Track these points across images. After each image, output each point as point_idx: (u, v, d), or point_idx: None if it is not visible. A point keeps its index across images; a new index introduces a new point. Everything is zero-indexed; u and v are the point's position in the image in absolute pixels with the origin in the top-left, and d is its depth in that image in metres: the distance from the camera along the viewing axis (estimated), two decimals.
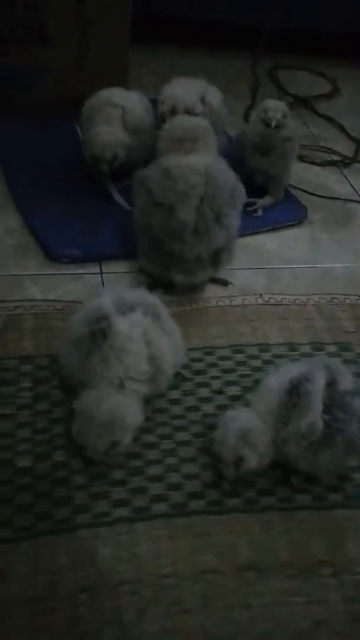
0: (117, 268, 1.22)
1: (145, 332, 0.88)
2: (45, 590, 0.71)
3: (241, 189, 1.08)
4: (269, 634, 0.71)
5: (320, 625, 0.72)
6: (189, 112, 1.27)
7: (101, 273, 1.20)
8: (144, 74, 1.86)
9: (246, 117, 1.80)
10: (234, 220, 1.08)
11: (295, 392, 0.83)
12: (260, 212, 1.39)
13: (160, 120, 1.34)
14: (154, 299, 0.94)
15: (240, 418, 0.84)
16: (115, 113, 1.37)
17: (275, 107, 1.36)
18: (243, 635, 0.70)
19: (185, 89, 1.36)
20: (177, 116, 1.19)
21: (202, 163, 1.04)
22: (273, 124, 1.33)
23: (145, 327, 0.88)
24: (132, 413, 0.85)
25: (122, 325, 0.86)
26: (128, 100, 1.39)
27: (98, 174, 1.37)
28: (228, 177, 1.05)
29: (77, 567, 0.74)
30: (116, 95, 1.39)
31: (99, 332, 0.84)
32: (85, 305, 0.91)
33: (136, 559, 0.76)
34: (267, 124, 1.34)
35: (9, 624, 0.68)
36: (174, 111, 1.30)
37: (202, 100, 1.38)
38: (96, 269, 1.21)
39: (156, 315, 0.91)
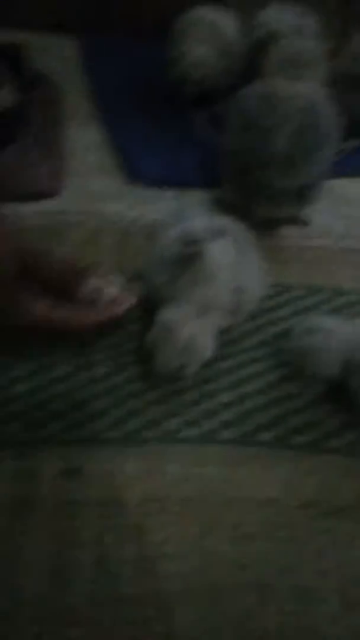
0: (196, 196, 1.19)
1: (233, 261, 0.86)
2: (116, 495, 0.74)
3: (340, 124, 1.02)
4: (331, 572, 0.71)
5: None
6: (286, 36, 1.20)
7: (180, 199, 1.18)
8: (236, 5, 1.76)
9: (333, 55, 1.70)
10: (328, 156, 1.03)
11: None
12: (344, 154, 1.32)
13: (256, 45, 1.27)
14: (243, 228, 0.91)
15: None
16: (206, 32, 1.31)
17: None
18: (306, 567, 0.71)
19: (284, 14, 1.28)
20: (286, 39, 1.12)
21: (305, 90, 0.98)
22: None
23: (234, 255, 0.86)
24: (207, 343, 0.85)
25: (214, 250, 0.84)
26: (222, 20, 1.32)
27: (182, 99, 1.32)
28: (330, 110, 0.99)
29: (145, 479, 0.76)
30: (210, 13, 1.32)
31: (190, 255, 0.82)
32: (176, 226, 0.89)
33: (202, 480, 0.77)
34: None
35: (79, 523, 0.70)
36: (272, 36, 1.23)
37: (299, 31, 1.31)
38: (176, 194, 1.18)
39: (244, 245, 0.89)
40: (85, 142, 1.23)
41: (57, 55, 1.43)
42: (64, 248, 0.99)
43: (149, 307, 0.91)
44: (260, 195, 1.05)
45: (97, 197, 1.12)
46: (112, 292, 0.76)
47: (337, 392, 0.87)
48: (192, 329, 0.83)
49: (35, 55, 1.31)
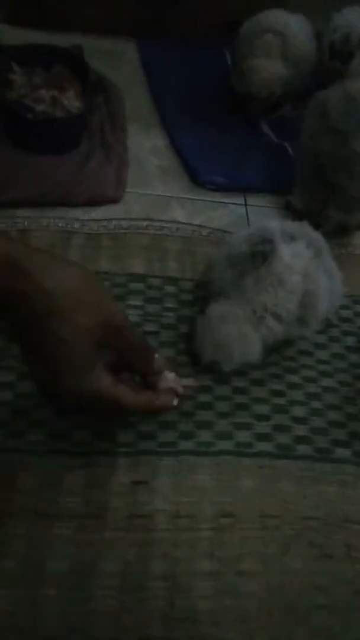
0: (261, 202, 1.16)
1: (305, 267, 0.82)
2: (187, 509, 0.70)
3: None
4: None
5: None
6: None
7: (245, 205, 1.15)
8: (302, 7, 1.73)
9: None
10: None
11: None
12: None
13: (329, 50, 1.24)
14: (318, 234, 0.88)
15: None
16: (276, 42, 1.27)
17: None
18: None
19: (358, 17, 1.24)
20: None
21: None
22: None
23: (306, 261, 0.83)
24: (251, 346, 0.81)
25: (285, 252, 0.80)
26: (290, 27, 1.27)
27: (248, 105, 1.30)
28: None
29: (220, 493, 0.72)
30: (277, 20, 1.28)
31: (261, 254, 0.79)
32: (249, 227, 0.86)
33: (280, 496, 0.73)
34: None
35: (153, 535, 0.67)
36: (346, 40, 1.19)
37: None
38: (240, 200, 1.15)
39: (318, 251, 0.85)
40: (148, 146, 1.21)
41: (118, 60, 1.43)
42: (127, 253, 0.97)
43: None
44: (334, 200, 1.01)
45: (160, 202, 1.10)
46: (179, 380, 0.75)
47: None
48: (236, 328, 0.79)
49: (96, 59, 1.31)
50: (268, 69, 1.24)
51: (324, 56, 1.25)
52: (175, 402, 0.68)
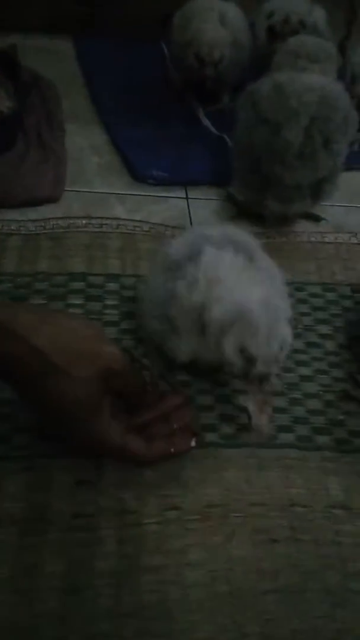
0: (203, 194, 1.16)
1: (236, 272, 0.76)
2: (132, 505, 0.70)
3: (355, 117, 0.99)
4: (358, 572, 0.68)
5: None
6: (302, 23, 1.17)
7: (187, 198, 1.15)
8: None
9: (341, 48, 1.68)
10: (343, 149, 1.00)
11: None
12: (357, 146, 1.30)
13: (266, 33, 1.25)
14: (247, 237, 0.83)
15: None
16: (215, 15, 1.27)
17: None
18: (332, 571, 0.68)
19: (295, 1, 1.26)
20: (301, 35, 1.09)
21: (317, 82, 0.95)
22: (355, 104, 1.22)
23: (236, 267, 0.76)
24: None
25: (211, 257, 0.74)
26: (227, 9, 1.29)
27: (187, 96, 1.30)
28: (343, 101, 0.97)
29: (163, 486, 0.72)
30: (213, 5, 1.29)
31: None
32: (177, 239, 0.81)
33: (224, 484, 0.73)
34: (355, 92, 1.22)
35: (98, 533, 0.67)
36: (286, 22, 1.20)
37: (311, 23, 1.28)
38: (182, 194, 1.16)
39: (249, 255, 0.78)
40: (87, 144, 1.21)
41: (55, 58, 1.42)
42: (67, 252, 0.96)
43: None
44: (272, 191, 1.02)
45: (100, 199, 1.09)
46: None
47: None
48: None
49: (33, 58, 1.29)
50: (214, 30, 1.24)
51: (261, 43, 1.26)
52: (193, 443, 0.68)
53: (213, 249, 0.73)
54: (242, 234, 0.83)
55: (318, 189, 1.03)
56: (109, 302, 0.91)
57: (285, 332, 0.71)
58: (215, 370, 0.79)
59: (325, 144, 0.96)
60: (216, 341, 0.69)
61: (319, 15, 1.29)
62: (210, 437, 0.78)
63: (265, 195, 1.02)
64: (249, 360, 0.68)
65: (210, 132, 1.28)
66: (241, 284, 0.71)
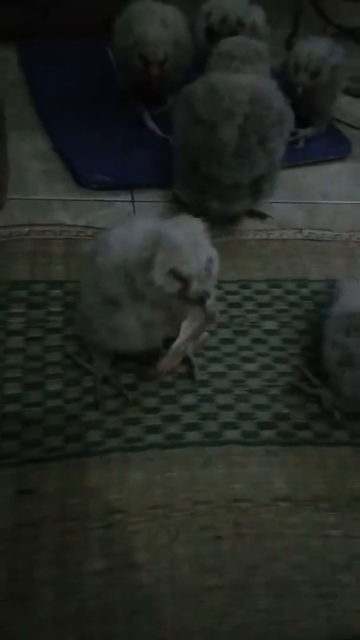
0: (149, 197, 1.17)
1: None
2: (76, 511, 0.70)
3: (289, 114, 1.00)
4: (303, 564, 0.69)
5: (355, 559, 0.70)
6: (240, 23, 1.19)
7: (132, 201, 1.15)
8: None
9: (288, 45, 1.70)
10: (279, 147, 1.00)
11: None
12: (301, 144, 1.31)
13: (205, 34, 1.26)
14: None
15: None
16: (157, 18, 1.27)
17: (307, 64, 1.25)
18: (276, 564, 0.69)
19: (233, 1, 1.27)
20: (233, 37, 1.09)
21: (250, 81, 0.96)
22: (299, 91, 1.25)
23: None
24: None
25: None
26: (167, 11, 1.29)
27: (131, 99, 1.30)
28: (276, 99, 0.98)
29: (108, 490, 0.72)
30: (153, 8, 1.29)
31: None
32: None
33: (168, 485, 0.74)
34: (294, 87, 1.24)
35: (40, 542, 0.67)
36: (224, 21, 1.21)
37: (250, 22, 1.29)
38: (127, 197, 1.16)
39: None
40: (30, 151, 1.20)
41: None
42: (9, 261, 0.96)
43: None
44: (211, 190, 1.02)
45: (43, 206, 1.09)
46: None
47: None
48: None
49: None
50: (158, 30, 1.24)
51: (200, 43, 1.27)
52: None
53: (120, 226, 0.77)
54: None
55: (257, 187, 1.03)
56: (53, 309, 0.91)
57: (208, 245, 0.71)
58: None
59: (260, 142, 0.97)
60: (147, 277, 0.68)
61: (257, 15, 1.30)
62: (155, 438, 0.78)
63: (206, 195, 1.02)
64: (183, 280, 0.68)
65: (156, 134, 1.28)
66: (150, 224, 0.73)
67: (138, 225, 0.75)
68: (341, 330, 0.81)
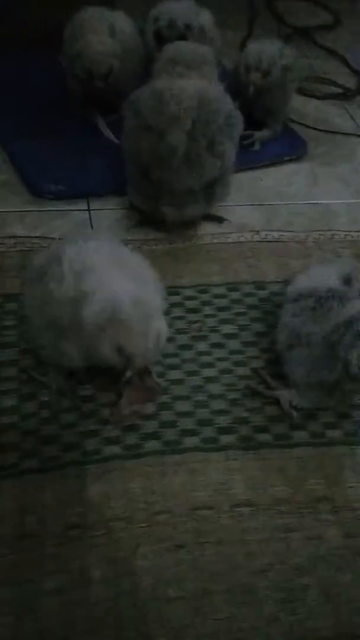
0: (106, 205, 1.16)
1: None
2: (33, 528, 0.69)
3: (238, 117, 1.00)
4: (265, 569, 0.68)
5: (318, 560, 0.70)
6: (187, 27, 1.19)
7: (89, 210, 1.14)
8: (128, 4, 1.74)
9: (242, 47, 1.70)
10: (229, 150, 1.00)
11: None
12: (257, 146, 1.31)
13: (154, 39, 1.25)
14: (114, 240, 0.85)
15: None
16: (104, 26, 1.26)
17: (258, 63, 1.24)
18: (239, 571, 0.68)
19: (180, 6, 1.27)
20: (177, 42, 1.09)
21: (195, 86, 0.96)
22: (250, 91, 1.25)
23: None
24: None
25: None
26: (116, 18, 1.28)
27: (85, 106, 1.29)
28: (223, 103, 0.98)
29: (66, 505, 0.71)
30: (101, 14, 1.28)
31: None
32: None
33: (127, 496, 0.73)
34: (246, 87, 1.25)
35: None
36: (172, 26, 1.21)
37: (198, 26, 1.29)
38: (84, 206, 1.15)
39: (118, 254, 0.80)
40: None
41: None
42: None
43: None
44: (164, 197, 1.02)
45: None
46: None
47: None
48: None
49: None
50: (102, 42, 1.22)
51: (150, 49, 1.27)
52: None
53: (75, 245, 0.75)
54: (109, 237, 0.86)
55: (210, 191, 1.04)
56: (7, 323, 0.90)
57: (160, 325, 0.72)
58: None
59: (209, 146, 0.97)
60: (93, 342, 0.70)
61: (205, 19, 1.30)
62: (113, 449, 0.77)
63: (159, 201, 1.02)
64: (127, 358, 0.70)
65: (112, 142, 1.27)
66: (110, 279, 0.72)
67: (91, 251, 0.74)
68: (289, 313, 0.83)
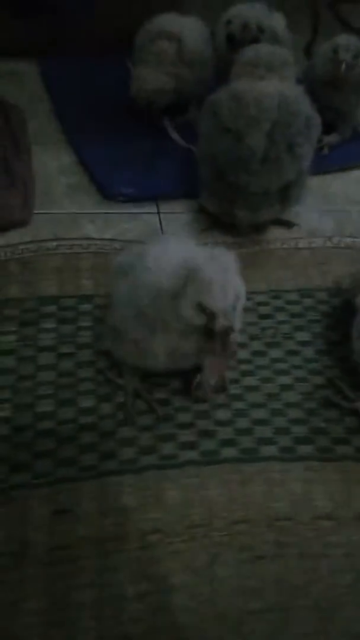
0: (175, 208, 1.15)
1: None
2: (113, 531, 0.68)
3: (317, 120, 0.99)
4: (348, 584, 0.66)
5: None
6: (260, 29, 1.18)
7: (158, 213, 1.14)
8: (196, 9, 1.74)
9: (307, 52, 1.68)
10: (307, 152, 0.99)
11: None
12: (326, 150, 1.29)
13: (227, 42, 1.25)
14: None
15: None
16: (169, 47, 1.27)
17: (347, 46, 1.23)
18: (320, 585, 0.66)
19: (252, 8, 1.26)
20: (256, 44, 1.08)
21: (275, 88, 0.95)
22: (342, 69, 1.22)
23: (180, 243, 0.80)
24: None
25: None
26: (184, 30, 1.28)
27: (153, 111, 1.30)
28: (303, 105, 0.96)
29: (145, 509, 0.71)
30: (171, 24, 1.29)
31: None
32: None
33: (207, 503, 0.72)
34: (337, 67, 1.22)
35: (77, 564, 0.65)
36: (245, 28, 1.21)
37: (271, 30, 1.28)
38: (153, 209, 1.15)
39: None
40: (55, 165, 1.20)
41: (19, 81, 1.42)
42: (38, 276, 0.95)
43: None
44: (239, 199, 1.01)
45: (70, 220, 1.08)
46: None
47: None
48: None
49: None
50: (151, 80, 1.25)
51: (221, 52, 1.26)
52: None
53: (157, 244, 0.77)
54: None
55: (286, 194, 1.02)
56: (82, 324, 0.90)
57: (237, 281, 0.71)
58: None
59: (288, 149, 0.95)
60: (175, 306, 0.69)
61: (277, 22, 1.29)
62: (190, 454, 0.76)
63: (234, 204, 1.01)
64: (209, 315, 0.68)
65: (179, 144, 1.27)
66: (185, 249, 0.73)
67: (172, 247, 0.76)
68: None
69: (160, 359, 0.75)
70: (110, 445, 0.76)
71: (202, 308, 0.68)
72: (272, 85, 0.95)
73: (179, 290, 0.69)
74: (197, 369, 0.79)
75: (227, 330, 0.68)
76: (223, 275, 0.69)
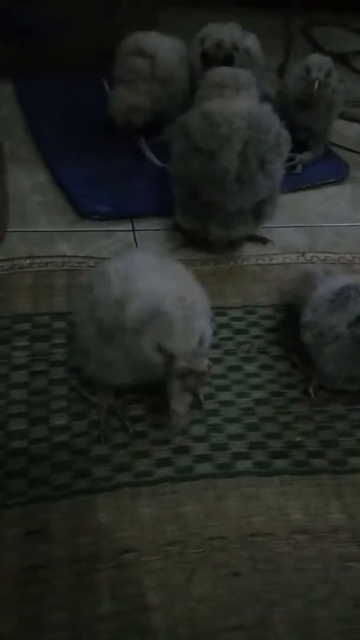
0: (150, 225, 1.16)
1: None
2: (87, 550, 0.67)
3: (286, 136, 1.00)
4: (325, 599, 0.66)
5: None
6: (235, 47, 1.20)
7: (133, 230, 1.15)
8: (171, 32, 1.78)
9: (280, 72, 1.72)
10: (279, 168, 1.00)
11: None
12: (299, 168, 1.32)
13: (202, 60, 1.27)
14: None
15: None
16: (143, 63, 1.29)
17: (319, 65, 1.27)
18: (297, 600, 0.66)
19: (226, 28, 1.29)
20: (220, 67, 1.10)
21: (245, 106, 0.96)
22: (315, 87, 1.25)
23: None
24: None
25: None
26: (159, 48, 1.31)
27: (130, 130, 1.31)
28: (273, 122, 0.98)
29: (119, 528, 0.70)
30: (147, 42, 1.31)
31: None
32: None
33: (182, 520, 0.71)
34: (309, 86, 1.26)
35: (50, 584, 0.64)
36: (219, 46, 1.23)
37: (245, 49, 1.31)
38: (128, 227, 1.15)
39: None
40: (29, 184, 1.20)
41: None
42: (11, 294, 0.95)
43: None
44: (214, 217, 1.02)
45: (44, 238, 1.08)
46: None
47: None
48: None
49: None
50: (127, 98, 1.27)
51: (196, 70, 1.28)
52: None
53: (120, 258, 0.77)
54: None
55: (259, 211, 1.03)
56: (56, 341, 0.90)
57: (203, 325, 0.70)
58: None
59: (261, 166, 0.96)
60: (135, 342, 0.69)
61: (251, 41, 1.32)
62: (165, 471, 0.76)
63: (208, 221, 1.02)
64: (168, 357, 0.68)
65: (154, 163, 1.29)
66: (154, 280, 0.72)
67: (136, 260, 0.76)
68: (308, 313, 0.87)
69: (124, 372, 0.74)
70: (84, 463, 0.75)
71: (161, 349, 0.68)
72: (243, 103, 0.97)
73: (140, 327, 0.69)
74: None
75: (186, 372, 0.68)
76: (188, 319, 0.70)
